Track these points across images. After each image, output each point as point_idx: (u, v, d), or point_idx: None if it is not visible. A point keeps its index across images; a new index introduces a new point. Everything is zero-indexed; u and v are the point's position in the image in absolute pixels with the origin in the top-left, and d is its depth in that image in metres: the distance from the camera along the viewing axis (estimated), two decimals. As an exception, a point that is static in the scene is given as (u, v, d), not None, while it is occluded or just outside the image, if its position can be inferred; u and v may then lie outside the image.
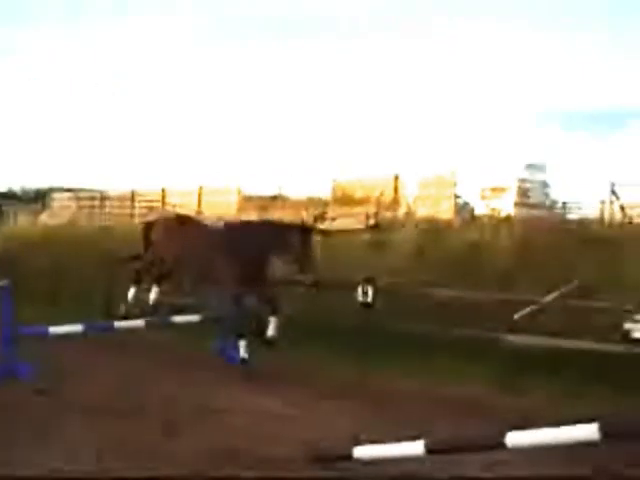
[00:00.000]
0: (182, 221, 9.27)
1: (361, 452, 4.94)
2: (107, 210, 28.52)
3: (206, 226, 9.52)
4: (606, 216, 19.58)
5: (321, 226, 18.39)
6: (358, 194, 23.36)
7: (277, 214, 19.69)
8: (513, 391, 7.45)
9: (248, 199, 25.72)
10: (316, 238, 8.97)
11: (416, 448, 4.69)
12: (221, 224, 9.61)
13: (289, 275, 8.80)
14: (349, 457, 4.96)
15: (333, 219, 18.96)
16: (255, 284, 8.20)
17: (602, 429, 4.04)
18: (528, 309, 8.89)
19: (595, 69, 65.98)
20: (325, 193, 25.17)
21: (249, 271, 8.13)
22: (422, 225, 15.37)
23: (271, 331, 7.96)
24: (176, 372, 7.71)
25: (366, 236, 15.04)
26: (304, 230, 8.27)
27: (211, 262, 8.33)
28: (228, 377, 7.61)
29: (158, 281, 9.03)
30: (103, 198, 29.33)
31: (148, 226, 9.46)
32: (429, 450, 4.65)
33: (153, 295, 8.93)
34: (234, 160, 53.86)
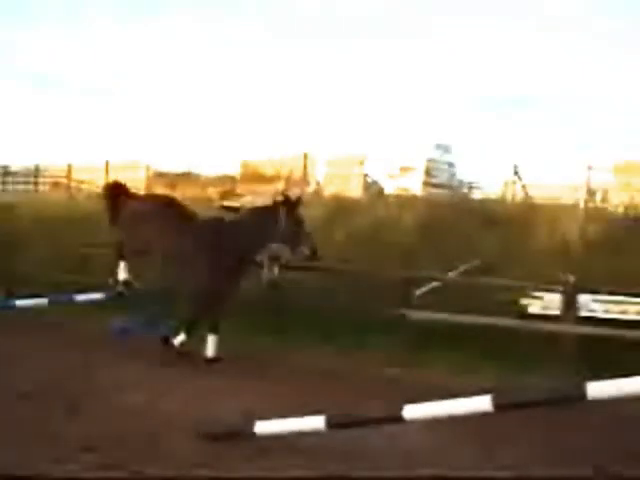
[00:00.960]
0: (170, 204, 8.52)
1: (262, 428, 4.96)
2: (10, 186, 27.59)
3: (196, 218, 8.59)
4: (509, 196, 20.18)
5: (230, 203, 18.34)
6: (267, 172, 23.38)
7: (186, 191, 19.51)
8: (416, 366, 7.63)
9: (158, 175, 25.37)
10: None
11: (317, 423, 4.75)
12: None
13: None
14: (251, 433, 4.98)
15: (241, 196, 18.89)
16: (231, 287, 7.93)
17: (494, 401, 4.19)
18: (430, 286, 9.07)
19: (501, 54, 67.46)
20: (234, 171, 25.06)
21: (231, 272, 7.84)
22: (330, 203, 15.45)
23: (210, 352, 7.75)
24: (77, 351, 7.58)
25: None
26: (292, 205, 7.89)
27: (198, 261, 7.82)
28: (130, 356, 7.50)
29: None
30: (6, 173, 28.34)
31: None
32: (330, 425, 4.73)
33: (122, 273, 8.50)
34: (143, 136, 52.76)
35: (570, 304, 8.21)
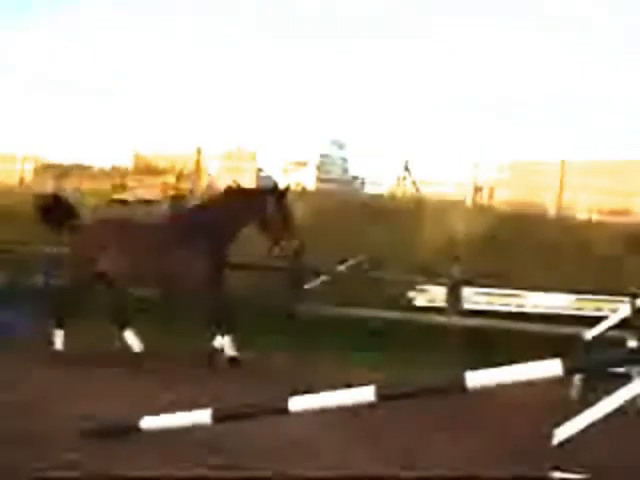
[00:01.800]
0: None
1: (148, 423, 4.90)
2: None
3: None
4: (400, 191, 20.61)
5: (120, 196, 18.04)
6: (160, 165, 23.09)
7: (77, 183, 19.05)
8: (304, 358, 7.68)
9: (46, 167, 24.66)
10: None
11: (203, 417, 4.72)
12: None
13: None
14: (137, 428, 4.90)
15: (133, 189, 18.58)
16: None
17: (378, 392, 4.28)
18: (319, 279, 9.17)
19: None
20: (127, 163, 24.62)
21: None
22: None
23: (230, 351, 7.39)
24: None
25: (165, 207, 14.86)
26: (280, 194, 7.54)
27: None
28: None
29: None
30: None
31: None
32: (216, 418, 4.71)
33: None
34: (30, 127, 51.10)
35: (454, 297, 8.47)
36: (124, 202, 13.41)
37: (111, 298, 7.86)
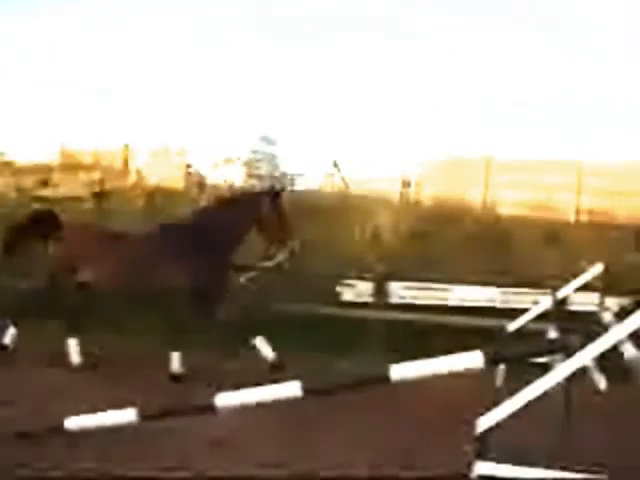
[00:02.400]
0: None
1: (73, 423, 4.83)
2: None
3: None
4: (329, 187, 20.70)
5: (44, 192, 17.62)
6: (86, 162, 22.65)
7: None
8: (232, 355, 7.68)
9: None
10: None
11: (129, 415, 4.68)
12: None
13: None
14: (60, 429, 4.83)
15: (56, 186, 18.18)
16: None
17: (304, 386, 4.31)
18: (248, 275, 9.16)
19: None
20: (52, 159, 24.06)
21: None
22: (151, 194, 15.22)
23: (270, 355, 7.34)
24: None
25: (89, 204, 14.63)
26: (275, 195, 7.54)
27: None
28: None
29: None
30: None
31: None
32: (143, 417, 4.68)
33: None
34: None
35: (380, 291, 8.58)
36: (47, 200, 13.09)
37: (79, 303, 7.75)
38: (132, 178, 21.41)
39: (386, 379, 4.28)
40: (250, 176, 25.16)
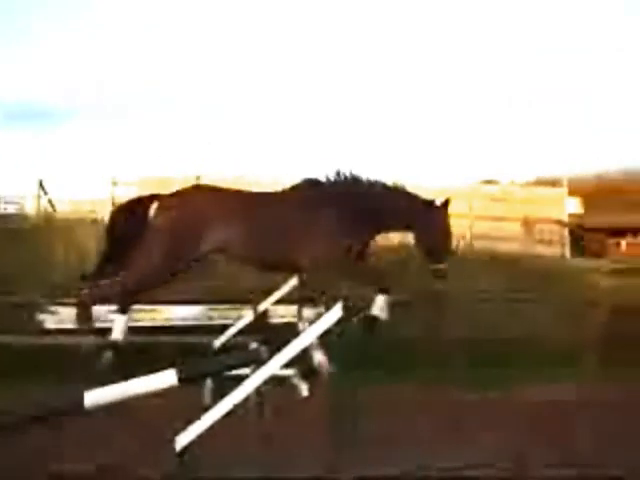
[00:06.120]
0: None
1: None
2: None
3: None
4: (35, 211, 19.81)
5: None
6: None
7: None
8: None
9: None
10: None
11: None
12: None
13: None
14: None
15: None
16: None
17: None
18: None
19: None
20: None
21: None
22: None
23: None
24: None
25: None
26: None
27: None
28: None
29: None
30: None
31: None
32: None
33: None
34: None
35: (85, 316, 8.34)
36: None
37: None
38: None
39: (80, 406, 4.23)
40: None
